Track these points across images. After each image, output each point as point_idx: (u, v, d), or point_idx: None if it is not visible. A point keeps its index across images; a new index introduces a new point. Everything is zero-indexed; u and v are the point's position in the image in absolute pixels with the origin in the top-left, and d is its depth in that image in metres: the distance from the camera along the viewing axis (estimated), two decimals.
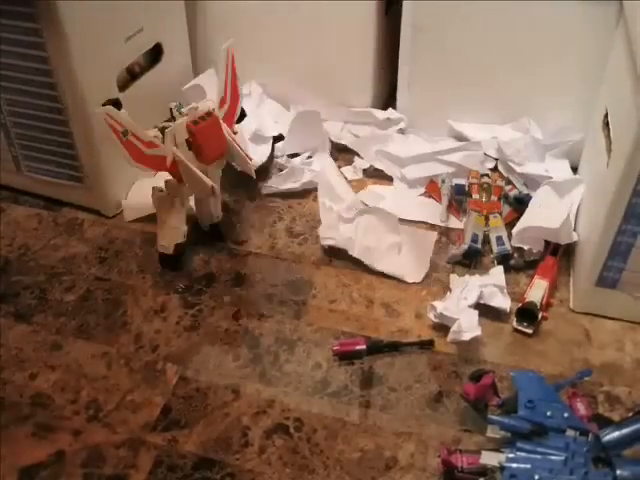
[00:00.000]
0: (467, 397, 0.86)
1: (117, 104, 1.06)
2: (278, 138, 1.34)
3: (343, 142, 1.37)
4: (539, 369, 0.95)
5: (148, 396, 0.93)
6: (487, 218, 1.16)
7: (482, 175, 1.24)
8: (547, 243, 1.11)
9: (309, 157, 1.34)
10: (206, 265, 1.13)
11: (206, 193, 1.07)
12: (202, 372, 0.96)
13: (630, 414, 0.84)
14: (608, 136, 1.01)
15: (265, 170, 1.29)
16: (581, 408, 0.82)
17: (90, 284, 1.10)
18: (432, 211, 1.22)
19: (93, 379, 0.95)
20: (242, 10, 1.36)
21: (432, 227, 1.20)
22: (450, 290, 1.06)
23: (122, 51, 1.17)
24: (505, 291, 1.04)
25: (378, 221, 1.17)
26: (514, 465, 0.76)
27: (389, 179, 1.31)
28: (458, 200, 1.23)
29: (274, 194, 1.27)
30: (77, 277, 1.11)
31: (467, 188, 1.21)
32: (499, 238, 1.12)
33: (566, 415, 0.78)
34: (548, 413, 0.78)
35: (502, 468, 0.76)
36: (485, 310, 1.02)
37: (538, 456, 0.76)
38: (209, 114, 1.05)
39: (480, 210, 1.17)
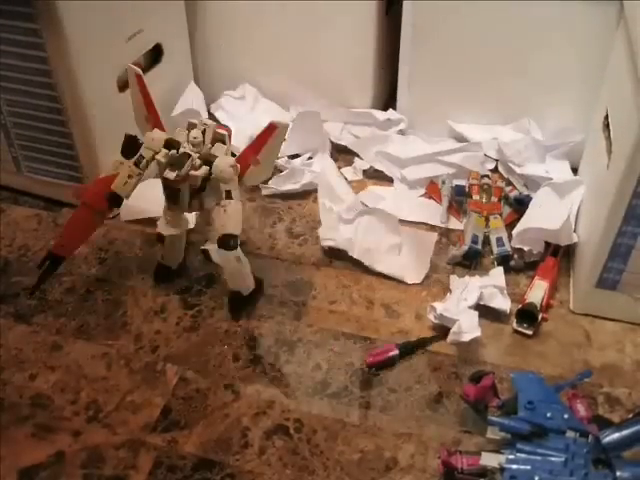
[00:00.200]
0: (467, 398, 0.86)
1: (135, 142, 0.98)
2: None
3: (343, 143, 1.37)
4: (539, 370, 0.95)
5: (148, 397, 0.93)
6: (487, 219, 1.16)
7: (482, 176, 1.24)
8: (547, 244, 1.11)
9: (309, 158, 1.34)
10: (206, 265, 1.13)
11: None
12: (202, 373, 0.96)
13: (630, 415, 0.84)
14: (608, 137, 1.01)
15: None
16: (581, 409, 0.82)
17: (90, 285, 1.10)
18: (432, 212, 1.22)
19: (93, 380, 0.95)
20: (242, 10, 1.36)
21: (432, 228, 1.20)
22: (450, 291, 1.06)
23: (122, 52, 1.17)
24: (505, 292, 1.04)
25: (378, 222, 1.17)
26: (514, 466, 0.75)
27: (389, 180, 1.31)
28: (458, 201, 1.23)
29: (274, 195, 1.27)
30: (77, 278, 1.11)
31: (467, 189, 1.21)
32: (499, 239, 1.12)
33: (566, 416, 0.78)
34: (548, 414, 0.78)
35: (502, 469, 0.76)
36: (485, 311, 1.02)
37: (538, 457, 0.76)
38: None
39: (480, 211, 1.17)
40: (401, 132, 1.37)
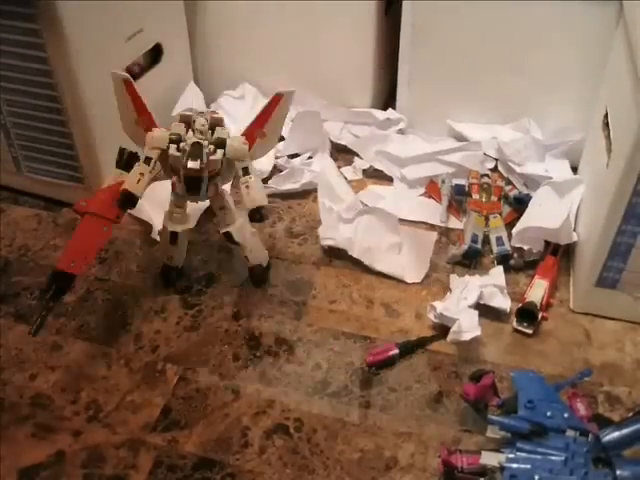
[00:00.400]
0: (467, 397, 0.86)
1: (134, 156, 0.99)
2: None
3: (343, 142, 1.37)
4: (539, 369, 0.95)
5: (148, 396, 0.93)
6: (487, 218, 1.16)
7: (482, 175, 1.24)
8: (547, 243, 1.11)
9: (309, 158, 1.34)
10: (206, 265, 1.13)
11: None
12: (202, 372, 0.96)
13: (630, 414, 0.84)
14: (608, 136, 1.01)
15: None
16: (581, 408, 0.82)
17: (90, 284, 1.10)
18: (432, 211, 1.22)
19: (93, 380, 0.95)
20: (242, 10, 1.36)
21: (432, 227, 1.20)
22: (450, 290, 1.06)
23: (122, 51, 1.17)
24: (505, 291, 1.04)
25: (378, 221, 1.17)
26: (514, 465, 0.75)
27: (389, 179, 1.31)
28: (458, 200, 1.23)
29: (274, 194, 1.27)
30: (77, 278, 1.11)
31: (467, 188, 1.21)
32: (499, 238, 1.12)
33: (566, 415, 0.78)
34: (548, 413, 0.78)
35: (502, 468, 0.76)
36: (485, 310, 1.02)
37: (538, 456, 0.76)
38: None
39: (480, 210, 1.17)
40: (401, 131, 1.37)
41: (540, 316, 1.01)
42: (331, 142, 1.37)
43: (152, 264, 1.12)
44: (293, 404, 0.92)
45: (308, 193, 1.28)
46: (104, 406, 0.92)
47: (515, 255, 1.11)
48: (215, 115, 0.97)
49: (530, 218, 1.12)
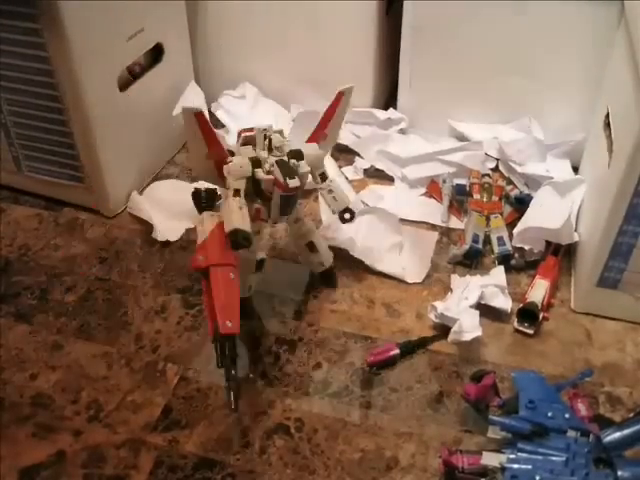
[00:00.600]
0: (468, 397, 0.86)
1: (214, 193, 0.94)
2: None
3: (344, 142, 1.37)
4: (540, 369, 0.95)
5: (149, 396, 0.93)
6: (488, 218, 1.16)
7: (483, 175, 1.24)
8: (548, 243, 1.11)
9: None
10: None
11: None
12: (203, 372, 0.96)
13: (631, 415, 0.84)
14: (609, 136, 1.01)
15: None
16: (582, 409, 0.82)
17: (91, 284, 1.10)
18: (433, 211, 1.22)
19: (94, 379, 0.95)
20: (242, 10, 1.36)
21: (433, 227, 1.20)
22: (451, 290, 1.06)
23: (123, 51, 1.17)
24: (506, 291, 1.04)
25: (379, 221, 1.16)
26: (515, 466, 0.75)
27: (390, 179, 1.31)
28: (459, 200, 1.23)
29: None
30: (78, 277, 1.11)
31: (468, 188, 1.21)
32: (500, 238, 1.12)
33: (567, 416, 0.78)
34: (549, 414, 0.78)
35: (503, 469, 0.75)
36: (486, 310, 1.02)
37: (539, 457, 0.76)
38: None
39: (481, 210, 1.17)
40: (402, 131, 1.37)
41: (541, 316, 1.01)
42: None
43: (152, 264, 1.12)
44: (294, 404, 0.92)
45: (309, 193, 1.27)
46: (105, 406, 0.92)
47: (516, 255, 1.10)
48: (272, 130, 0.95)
49: (531, 218, 1.12)
